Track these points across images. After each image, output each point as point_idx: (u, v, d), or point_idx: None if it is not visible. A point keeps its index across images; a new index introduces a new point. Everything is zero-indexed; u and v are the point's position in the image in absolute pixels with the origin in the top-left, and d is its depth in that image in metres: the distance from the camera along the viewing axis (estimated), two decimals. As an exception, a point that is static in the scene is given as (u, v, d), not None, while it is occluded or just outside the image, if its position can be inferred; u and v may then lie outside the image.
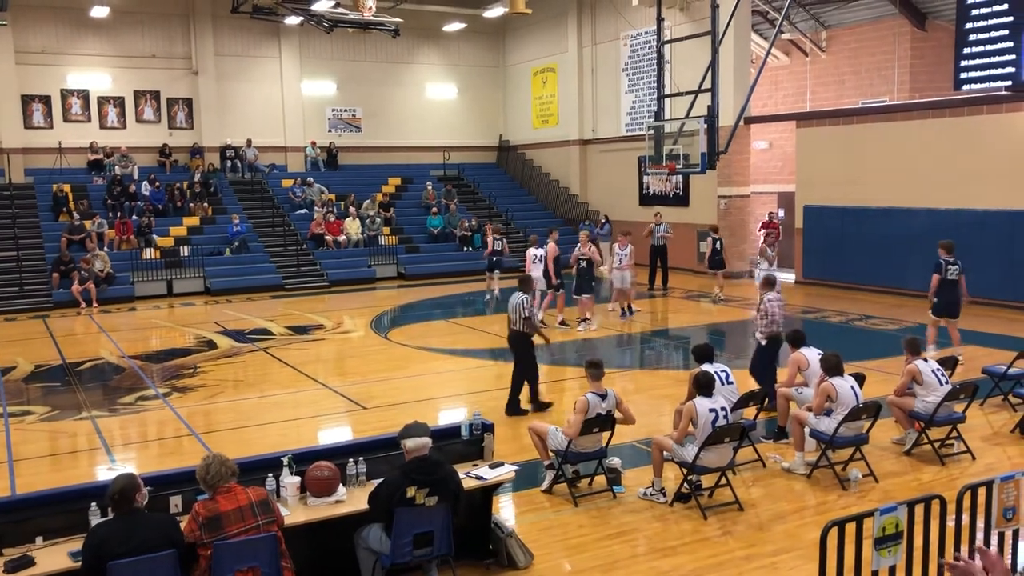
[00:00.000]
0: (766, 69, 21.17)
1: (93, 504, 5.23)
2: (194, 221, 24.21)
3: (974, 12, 16.64)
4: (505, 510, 7.45)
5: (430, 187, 27.55)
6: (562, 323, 16.16)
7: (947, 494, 5.44)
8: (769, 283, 10.37)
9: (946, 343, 12.74)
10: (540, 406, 10.54)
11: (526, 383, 10.49)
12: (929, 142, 18.14)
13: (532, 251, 16.31)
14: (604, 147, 27.47)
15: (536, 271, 15.65)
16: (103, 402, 11.70)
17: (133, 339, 16.46)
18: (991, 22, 16.36)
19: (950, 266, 12.36)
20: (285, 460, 5.89)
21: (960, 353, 11.80)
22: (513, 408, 10.39)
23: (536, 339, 10.70)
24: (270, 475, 5.81)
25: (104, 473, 8.67)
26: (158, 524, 4.85)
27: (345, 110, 29.43)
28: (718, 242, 19.30)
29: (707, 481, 7.68)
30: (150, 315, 19.40)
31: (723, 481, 7.57)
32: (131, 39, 26.08)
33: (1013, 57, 16.02)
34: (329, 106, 29.17)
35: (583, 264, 15.98)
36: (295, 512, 5.66)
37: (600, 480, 7.88)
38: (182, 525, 4.96)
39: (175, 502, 5.54)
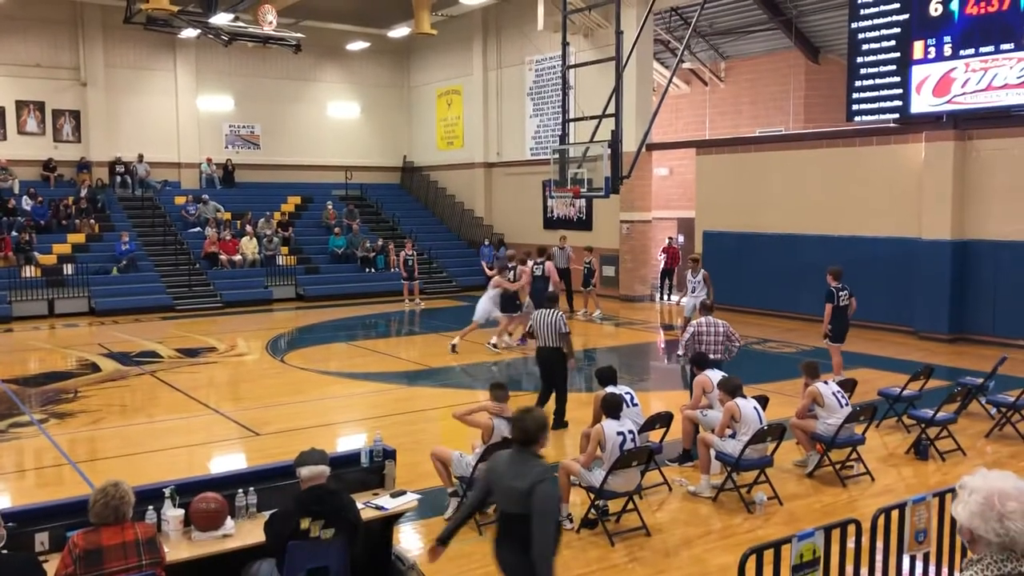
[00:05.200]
0: (667, 97, 21.52)
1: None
2: (79, 238, 23.02)
3: (864, 47, 17.26)
4: (407, 541, 7.12)
5: (330, 206, 26.99)
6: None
7: (852, 516, 5.40)
8: (702, 308, 10.92)
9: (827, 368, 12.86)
10: (562, 424, 10.42)
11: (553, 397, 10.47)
12: (823, 171, 18.71)
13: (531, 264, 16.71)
14: (509, 170, 27.46)
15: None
16: (-30, 430, 10.84)
17: (8, 362, 15.39)
18: (880, 57, 16.99)
19: (840, 292, 12.61)
20: (167, 492, 5.44)
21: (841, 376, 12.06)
22: (559, 422, 10.32)
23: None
24: (150, 508, 5.35)
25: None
26: (17, 566, 4.37)
27: (243, 126, 28.61)
28: (589, 263, 20.35)
29: (614, 506, 7.51)
30: (28, 336, 18.25)
31: (630, 506, 7.43)
32: (12, 46, 24.76)
33: (900, 91, 16.65)
34: (226, 122, 28.31)
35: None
36: (178, 548, 5.21)
37: (506, 507, 7.62)
38: (51, 564, 4.48)
39: (41, 539, 5.01)
